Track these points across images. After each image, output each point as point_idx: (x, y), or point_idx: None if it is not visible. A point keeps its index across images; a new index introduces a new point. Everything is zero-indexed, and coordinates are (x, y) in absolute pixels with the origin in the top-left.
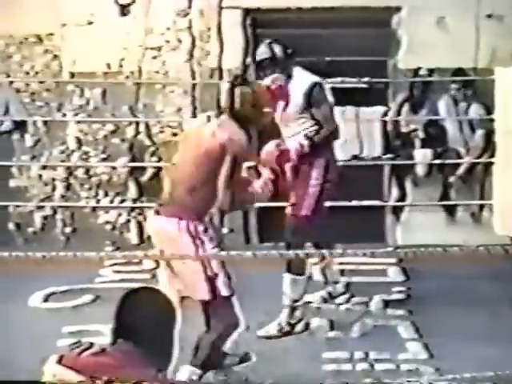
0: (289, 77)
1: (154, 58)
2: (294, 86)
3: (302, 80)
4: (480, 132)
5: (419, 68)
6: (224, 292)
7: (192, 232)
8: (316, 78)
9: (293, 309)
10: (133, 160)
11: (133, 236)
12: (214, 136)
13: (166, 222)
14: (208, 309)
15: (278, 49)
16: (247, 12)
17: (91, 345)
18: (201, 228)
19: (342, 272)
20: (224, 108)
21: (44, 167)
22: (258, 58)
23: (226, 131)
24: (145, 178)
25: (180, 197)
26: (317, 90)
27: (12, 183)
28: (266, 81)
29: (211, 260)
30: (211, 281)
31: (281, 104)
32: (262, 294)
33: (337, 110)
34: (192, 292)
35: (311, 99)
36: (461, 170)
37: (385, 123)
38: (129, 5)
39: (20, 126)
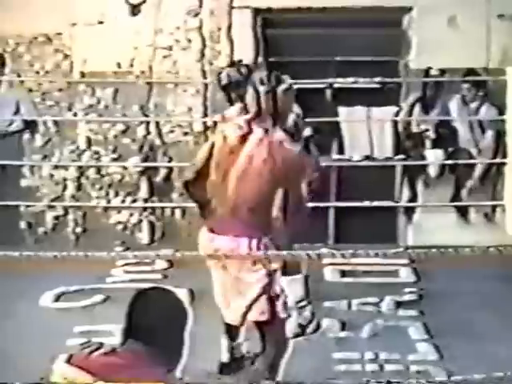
0: None
1: (165, 57)
2: None
3: None
4: (491, 132)
5: (430, 68)
6: (282, 314)
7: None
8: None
9: (299, 310)
10: (145, 160)
11: (144, 236)
12: (285, 146)
13: (230, 242)
14: (263, 328)
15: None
16: (257, 12)
17: (101, 345)
18: (267, 244)
19: (344, 273)
20: (268, 111)
21: (56, 167)
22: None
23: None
24: (158, 178)
25: (244, 214)
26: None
27: (23, 183)
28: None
29: (275, 282)
30: (272, 302)
31: None
32: None
33: (348, 110)
34: (252, 312)
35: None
36: (477, 173)
37: (396, 123)
38: (140, 4)
39: (30, 125)
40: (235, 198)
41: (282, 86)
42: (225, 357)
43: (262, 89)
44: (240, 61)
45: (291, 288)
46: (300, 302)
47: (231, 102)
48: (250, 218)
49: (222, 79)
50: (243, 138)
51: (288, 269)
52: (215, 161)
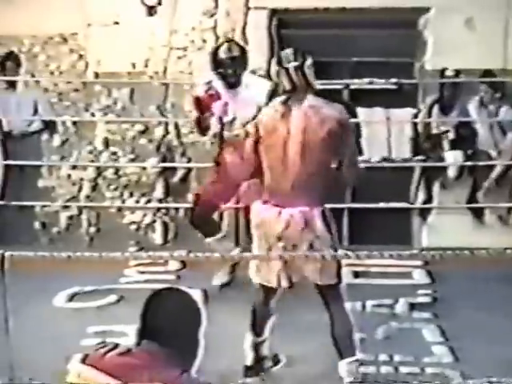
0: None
1: (180, 58)
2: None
3: (258, 86)
4: (511, 135)
5: (445, 69)
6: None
7: (327, 218)
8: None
9: None
10: (163, 160)
11: (157, 236)
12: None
13: (295, 212)
14: (327, 295)
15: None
16: (274, 12)
17: (116, 345)
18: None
19: (357, 274)
20: (302, 86)
21: (74, 167)
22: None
23: (335, 108)
24: (175, 178)
25: (303, 184)
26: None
27: (41, 183)
28: (199, 90)
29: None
30: (339, 266)
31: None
32: None
33: (366, 111)
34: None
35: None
36: (495, 174)
37: (415, 125)
38: (155, 5)
39: (49, 126)
40: (299, 174)
41: (308, 61)
42: (248, 356)
43: (291, 65)
44: (232, 39)
45: None
46: None
47: (223, 78)
48: (312, 188)
49: (221, 53)
50: (286, 118)
51: None
52: (266, 146)
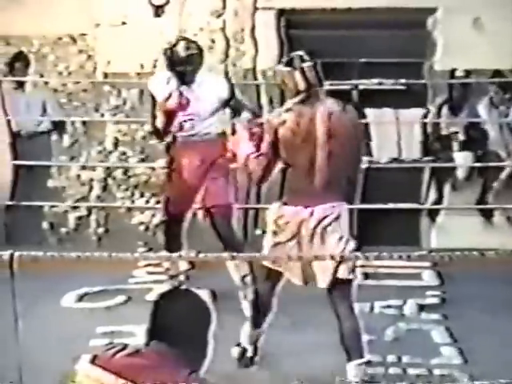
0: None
1: None
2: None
3: (215, 84)
4: None
5: (455, 69)
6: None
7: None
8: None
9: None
10: None
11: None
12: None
13: (326, 209)
14: (338, 295)
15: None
16: (281, 13)
17: (125, 346)
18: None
19: (366, 275)
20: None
21: (83, 167)
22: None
23: (349, 107)
24: None
25: (331, 181)
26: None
27: (50, 183)
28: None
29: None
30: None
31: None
32: None
33: (376, 112)
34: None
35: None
36: (504, 174)
37: (425, 125)
38: (163, 5)
39: (58, 126)
40: (327, 172)
41: (319, 61)
42: (248, 348)
43: (306, 65)
44: (186, 38)
45: None
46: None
47: (180, 76)
48: (339, 184)
49: (180, 51)
50: (308, 117)
51: None
52: (289, 146)
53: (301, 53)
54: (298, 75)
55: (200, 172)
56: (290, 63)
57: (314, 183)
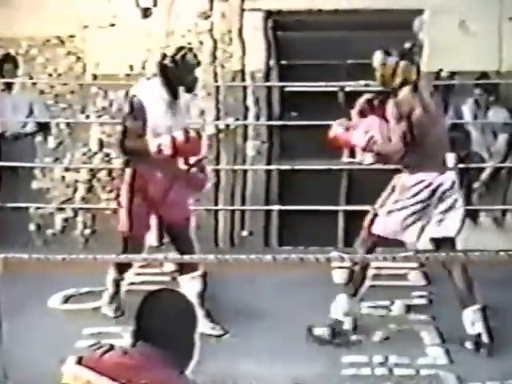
0: None
1: None
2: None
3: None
4: (503, 136)
5: (441, 70)
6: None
7: None
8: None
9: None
10: None
11: (152, 238)
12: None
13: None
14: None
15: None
16: (269, 14)
17: (112, 346)
18: None
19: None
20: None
21: (67, 169)
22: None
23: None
24: None
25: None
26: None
27: (35, 185)
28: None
29: None
30: None
31: None
32: None
33: None
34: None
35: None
36: (484, 175)
37: None
38: (151, 7)
39: (43, 127)
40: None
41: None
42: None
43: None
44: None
45: (190, 285)
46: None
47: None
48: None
49: (179, 61)
50: (426, 102)
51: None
52: (421, 124)
53: (408, 45)
54: (413, 68)
55: (165, 184)
56: (402, 56)
57: (441, 154)
